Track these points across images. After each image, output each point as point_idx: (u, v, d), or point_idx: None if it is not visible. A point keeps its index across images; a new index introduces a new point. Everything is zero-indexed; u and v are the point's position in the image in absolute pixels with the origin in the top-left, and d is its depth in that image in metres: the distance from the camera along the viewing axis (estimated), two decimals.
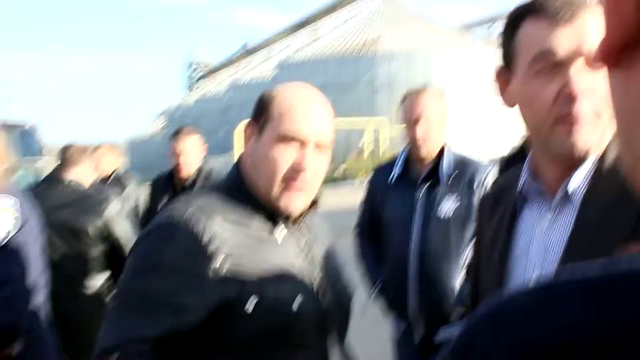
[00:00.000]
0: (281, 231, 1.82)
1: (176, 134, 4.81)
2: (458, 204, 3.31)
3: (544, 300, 0.39)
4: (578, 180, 1.35)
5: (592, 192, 1.33)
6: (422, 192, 3.37)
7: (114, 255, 3.99)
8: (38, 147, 14.78)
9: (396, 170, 3.48)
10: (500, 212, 1.52)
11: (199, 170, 4.75)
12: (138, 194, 5.76)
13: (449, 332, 3.29)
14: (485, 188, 3.25)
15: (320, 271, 1.83)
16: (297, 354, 1.75)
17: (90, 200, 4.07)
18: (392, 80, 42.96)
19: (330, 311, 1.84)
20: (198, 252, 1.65)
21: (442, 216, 3.32)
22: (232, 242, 1.69)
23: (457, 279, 3.30)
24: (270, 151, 1.76)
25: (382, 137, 32.57)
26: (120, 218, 4.10)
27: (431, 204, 3.34)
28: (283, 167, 1.75)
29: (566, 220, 1.37)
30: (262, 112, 1.81)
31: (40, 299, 2.24)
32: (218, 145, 50.21)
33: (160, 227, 1.72)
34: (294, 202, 1.77)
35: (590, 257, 1.22)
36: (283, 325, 1.70)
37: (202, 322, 1.64)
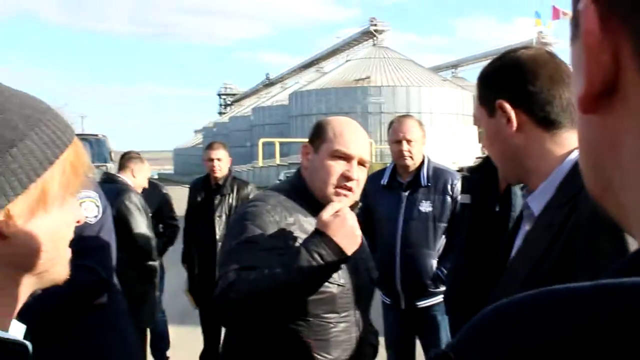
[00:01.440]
0: None
1: (210, 145, 4.83)
2: (435, 203, 3.45)
3: (546, 304, 0.34)
4: (536, 201, 1.29)
5: (544, 210, 1.25)
6: (406, 195, 3.49)
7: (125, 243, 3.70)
8: (108, 154, 14.83)
9: (385, 178, 3.58)
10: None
11: (228, 175, 4.72)
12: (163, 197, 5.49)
13: (426, 300, 3.50)
14: (456, 191, 3.43)
15: (357, 254, 1.87)
16: (340, 318, 1.84)
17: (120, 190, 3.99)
18: (380, 109, 43.09)
19: (363, 286, 1.95)
20: (278, 234, 1.79)
21: (421, 213, 3.45)
22: (300, 228, 1.83)
23: (434, 261, 3.46)
24: (327, 163, 1.88)
25: (372, 153, 32.55)
26: (135, 210, 3.98)
27: (413, 204, 3.47)
28: (336, 175, 1.87)
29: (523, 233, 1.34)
30: (318, 135, 1.93)
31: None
32: (245, 155, 50.69)
33: (249, 214, 1.82)
34: (344, 201, 1.86)
35: (525, 263, 1.21)
36: (332, 294, 1.82)
37: None
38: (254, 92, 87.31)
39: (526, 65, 1.28)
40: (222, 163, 4.65)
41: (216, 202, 4.59)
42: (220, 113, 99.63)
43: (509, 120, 1.27)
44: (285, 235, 1.80)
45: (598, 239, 1.04)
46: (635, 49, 0.38)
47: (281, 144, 41.57)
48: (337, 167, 1.87)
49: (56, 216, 0.76)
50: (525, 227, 1.36)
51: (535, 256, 1.17)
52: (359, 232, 1.75)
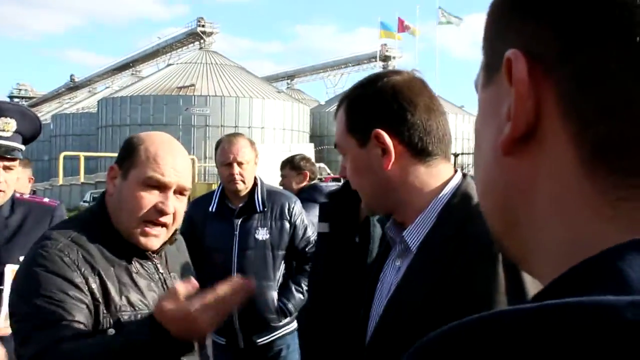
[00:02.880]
0: (136, 264, 1.80)
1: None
2: (272, 230, 3.50)
3: (496, 327, 0.37)
4: (413, 235, 1.34)
5: (426, 244, 1.31)
6: (239, 223, 3.49)
7: None
8: None
9: (214, 204, 3.56)
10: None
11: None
12: None
13: (268, 335, 3.54)
14: (294, 215, 3.54)
15: None
16: None
17: None
18: (206, 121, 42.91)
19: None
20: (72, 278, 1.65)
21: (258, 242, 3.48)
22: (100, 270, 1.70)
23: (274, 293, 3.51)
24: (136, 193, 1.73)
25: (195, 172, 32.27)
26: None
27: (248, 231, 3.48)
28: (146, 209, 1.73)
29: (403, 267, 1.37)
30: (128, 156, 1.77)
31: None
32: (42, 171, 47.79)
33: (39, 258, 1.67)
34: (154, 240, 1.76)
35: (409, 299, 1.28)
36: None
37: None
38: (55, 96, 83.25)
39: (403, 93, 1.33)
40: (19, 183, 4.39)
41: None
42: None
43: (385, 151, 1.31)
44: (85, 286, 1.66)
45: (496, 275, 1.16)
46: (558, 97, 0.46)
47: (87, 158, 39.83)
48: (149, 199, 1.73)
49: None
50: (397, 263, 1.39)
51: (423, 292, 1.23)
52: (206, 323, 1.60)
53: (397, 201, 1.35)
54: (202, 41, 54.82)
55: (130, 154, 1.78)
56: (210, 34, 55.17)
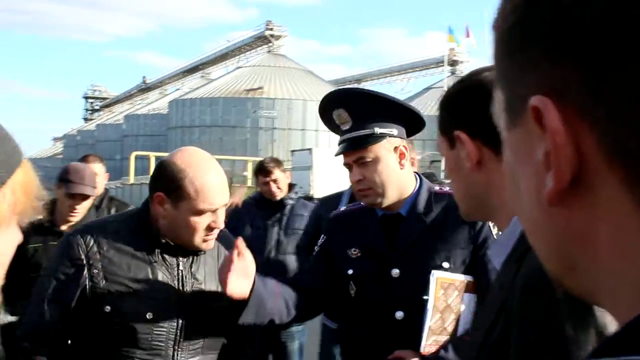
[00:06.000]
0: (159, 256, 2.09)
1: (84, 158, 4.80)
2: None
3: None
4: (497, 254, 1.25)
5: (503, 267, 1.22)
6: None
7: None
8: None
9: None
10: None
11: (104, 194, 4.72)
12: None
13: None
14: None
15: (190, 288, 2.07)
16: (148, 355, 1.98)
17: None
18: (273, 124, 43.28)
19: (197, 323, 2.06)
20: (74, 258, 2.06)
21: None
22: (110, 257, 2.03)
23: None
24: (191, 220, 1.99)
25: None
26: None
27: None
28: (202, 230, 2.02)
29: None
30: (174, 189, 1.99)
31: None
32: (114, 170, 48.94)
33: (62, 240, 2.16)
34: (210, 243, 2.07)
35: None
36: (134, 328, 1.97)
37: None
38: (128, 97, 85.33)
39: (488, 90, 1.23)
40: (99, 178, 4.57)
41: None
42: (86, 119, 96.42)
43: (469, 153, 1.25)
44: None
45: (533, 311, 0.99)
46: (599, 139, 0.42)
47: (157, 158, 40.74)
48: (203, 223, 2.00)
49: (2, 239, 0.84)
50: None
51: (488, 321, 1.13)
52: None
53: (491, 207, 1.29)
54: (270, 44, 55.33)
55: (176, 188, 1.99)
56: (278, 37, 55.64)
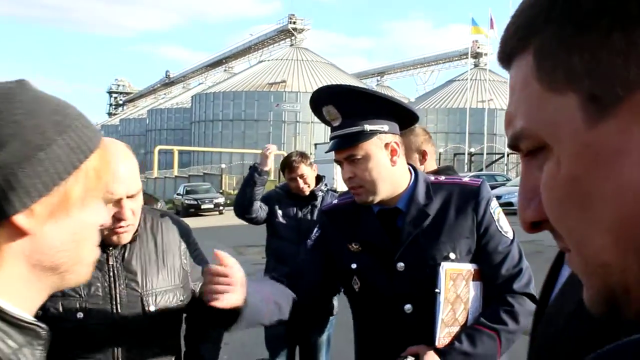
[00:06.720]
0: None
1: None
2: None
3: None
4: None
5: None
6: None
7: None
8: None
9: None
10: None
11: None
12: None
13: None
14: None
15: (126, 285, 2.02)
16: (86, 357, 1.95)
17: None
18: (296, 117, 43.29)
19: (123, 320, 1.99)
20: None
21: None
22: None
23: None
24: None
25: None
26: None
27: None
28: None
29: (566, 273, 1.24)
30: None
31: None
32: (139, 163, 49.12)
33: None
34: (122, 238, 1.99)
35: None
36: (69, 330, 1.90)
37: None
38: (151, 91, 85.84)
39: None
40: None
41: None
42: (110, 114, 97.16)
43: None
44: None
45: None
46: None
47: (180, 152, 40.99)
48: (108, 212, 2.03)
49: (77, 218, 0.89)
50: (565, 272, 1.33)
51: (568, 312, 1.10)
52: None
53: None
54: (293, 38, 55.36)
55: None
56: (301, 31, 55.65)
